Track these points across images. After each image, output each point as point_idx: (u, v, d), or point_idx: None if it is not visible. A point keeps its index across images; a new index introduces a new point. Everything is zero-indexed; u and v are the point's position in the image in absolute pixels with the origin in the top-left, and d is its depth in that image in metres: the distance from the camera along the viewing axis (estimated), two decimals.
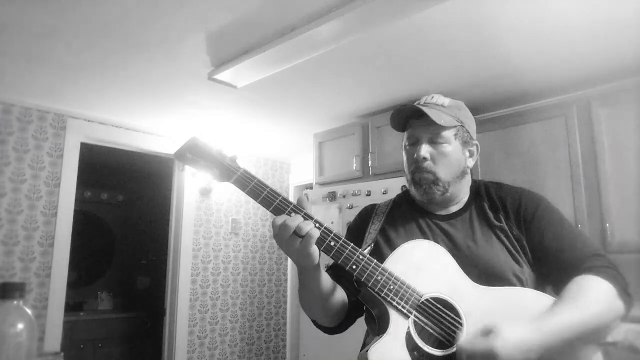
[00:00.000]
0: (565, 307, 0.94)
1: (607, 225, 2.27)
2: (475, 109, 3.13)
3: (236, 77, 2.51)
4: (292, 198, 4.48)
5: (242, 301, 4.04)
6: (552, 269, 1.04)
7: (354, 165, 3.18)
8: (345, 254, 1.00)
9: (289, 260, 4.39)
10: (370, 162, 3.10)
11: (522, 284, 1.03)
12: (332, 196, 3.10)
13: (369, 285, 0.99)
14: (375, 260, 1.01)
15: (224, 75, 2.48)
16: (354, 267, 0.99)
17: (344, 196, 3.04)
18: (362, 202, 2.92)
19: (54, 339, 2.94)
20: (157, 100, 3.02)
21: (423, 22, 2.01)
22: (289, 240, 0.94)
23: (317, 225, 0.98)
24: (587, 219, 2.35)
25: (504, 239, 1.07)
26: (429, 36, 2.14)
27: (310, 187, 3.82)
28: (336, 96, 2.95)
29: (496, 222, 1.10)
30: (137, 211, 5.09)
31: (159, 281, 4.30)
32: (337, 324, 1.16)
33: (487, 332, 0.88)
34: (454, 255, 1.05)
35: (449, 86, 2.70)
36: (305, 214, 0.99)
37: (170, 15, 1.98)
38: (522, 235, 1.07)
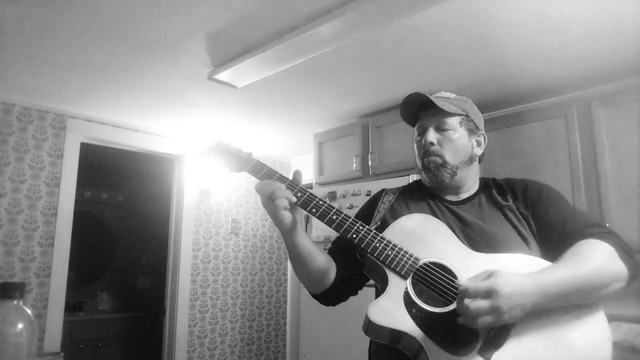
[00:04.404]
0: (562, 263, 0.98)
1: (607, 225, 2.27)
2: None
3: (236, 77, 2.51)
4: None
5: (242, 301, 4.04)
6: (556, 240, 1.07)
7: (354, 165, 3.18)
8: (345, 225, 1.09)
9: (289, 260, 4.39)
10: (370, 162, 3.10)
11: None
12: (332, 196, 3.10)
13: (368, 251, 1.06)
14: (375, 230, 1.08)
15: (224, 75, 2.48)
16: (354, 236, 1.08)
17: (344, 196, 3.03)
18: (362, 202, 2.92)
19: (54, 339, 2.94)
20: (157, 100, 3.02)
21: (423, 22, 2.01)
22: (266, 202, 1.07)
23: (321, 202, 1.10)
24: None
25: (512, 217, 1.12)
26: (428, 36, 2.14)
27: (310, 187, 3.82)
28: (336, 96, 2.95)
29: (504, 202, 1.15)
30: (137, 211, 5.08)
31: (159, 281, 4.30)
32: (321, 292, 1.22)
33: (489, 275, 0.92)
34: (463, 233, 1.11)
35: (449, 86, 2.69)
36: (310, 194, 1.11)
37: (170, 15, 1.98)
38: (528, 213, 1.12)
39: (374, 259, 1.05)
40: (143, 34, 2.15)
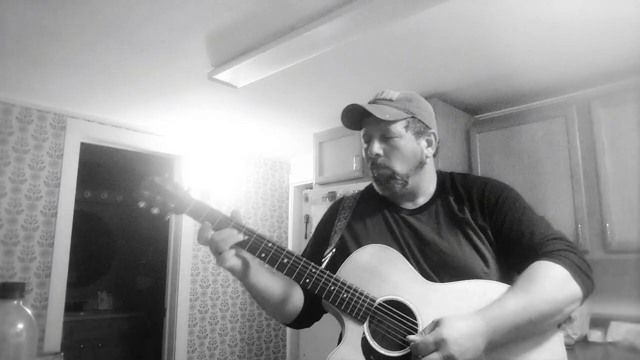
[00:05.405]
0: (512, 293, 0.96)
1: (607, 225, 2.27)
2: (475, 109, 3.15)
3: (236, 77, 2.50)
4: (291, 198, 4.48)
5: (242, 301, 4.04)
6: (513, 255, 1.06)
7: (354, 165, 3.18)
8: (297, 269, 1.04)
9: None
10: None
11: (487, 277, 1.04)
12: (332, 196, 3.09)
13: (322, 296, 1.03)
14: (328, 272, 1.04)
15: (224, 75, 2.47)
16: (307, 281, 1.03)
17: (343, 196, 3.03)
18: None
19: (54, 339, 2.94)
20: (157, 100, 3.02)
21: (422, 22, 2.01)
22: (214, 252, 1.03)
23: (270, 245, 1.04)
24: (587, 219, 2.35)
25: (470, 232, 1.08)
26: (428, 36, 2.14)
27: (310, 187, 3.81)
28: (336, 96, 2.95)
29: (460, 215, 1.11)
30: (137, 211, 5.06)
31: (159, 281, 4.30)
32: (291, 321, 1.20)
33: (435, 325, 0.92)
34: (421, 252, 1.07)
35: (448, 86, 2.70)
36: (257, 236, 1.06)
37: (170, 15, 1.98)
38: (486, 224, 1.09)
39: (329, 304, 1.02)
40: (143, 34, 2.15)
